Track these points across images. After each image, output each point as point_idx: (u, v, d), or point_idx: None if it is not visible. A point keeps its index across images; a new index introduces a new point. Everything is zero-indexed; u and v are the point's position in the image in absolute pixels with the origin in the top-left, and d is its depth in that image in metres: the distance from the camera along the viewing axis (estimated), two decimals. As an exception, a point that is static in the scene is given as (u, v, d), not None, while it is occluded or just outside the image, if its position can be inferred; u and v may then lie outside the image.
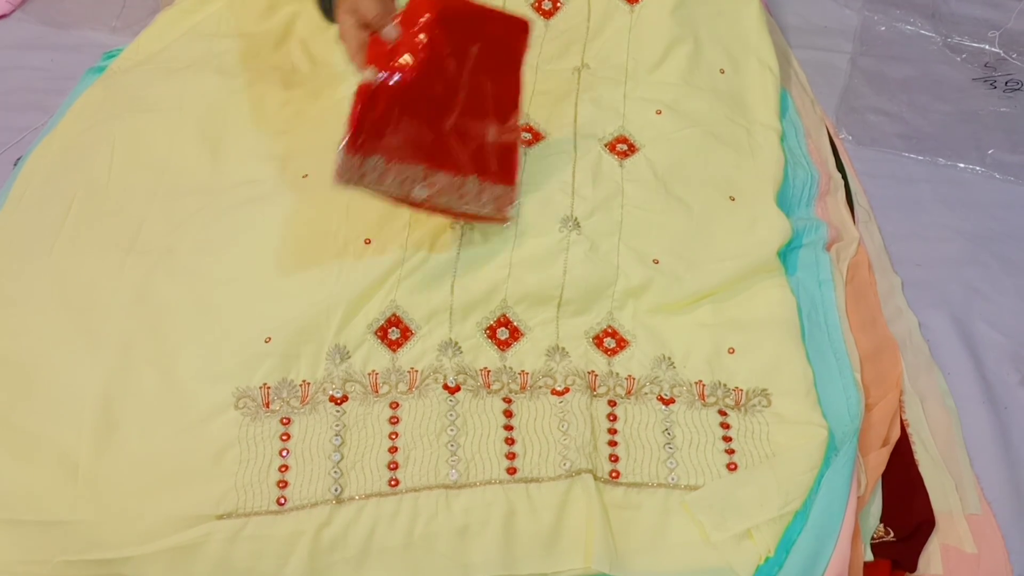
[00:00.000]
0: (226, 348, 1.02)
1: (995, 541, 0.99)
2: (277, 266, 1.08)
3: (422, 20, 0.98)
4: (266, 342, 1.01)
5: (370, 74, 0.97)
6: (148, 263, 1.10)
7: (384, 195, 1.02)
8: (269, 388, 1.00)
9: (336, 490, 0.93)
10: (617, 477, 0.97)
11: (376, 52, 0.99)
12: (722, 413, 1.02)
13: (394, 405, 1.00)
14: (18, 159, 1.27)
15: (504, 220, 1.10)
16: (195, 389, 1.00)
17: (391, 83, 0.97)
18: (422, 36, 0.98)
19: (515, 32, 1.07)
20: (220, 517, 0.91)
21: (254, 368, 1.00)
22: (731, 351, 1.07)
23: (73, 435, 0.95)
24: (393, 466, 0.95)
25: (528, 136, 1.23)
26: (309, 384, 1.01)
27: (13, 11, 1.59)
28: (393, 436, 0.98)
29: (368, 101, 0.96)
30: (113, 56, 1.40)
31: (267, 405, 0.99)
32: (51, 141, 1.26)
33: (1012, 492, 1.03)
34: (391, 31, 0.98)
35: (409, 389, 1.02)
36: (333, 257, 1.07)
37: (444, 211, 1.06)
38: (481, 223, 1.10)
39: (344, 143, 0.96)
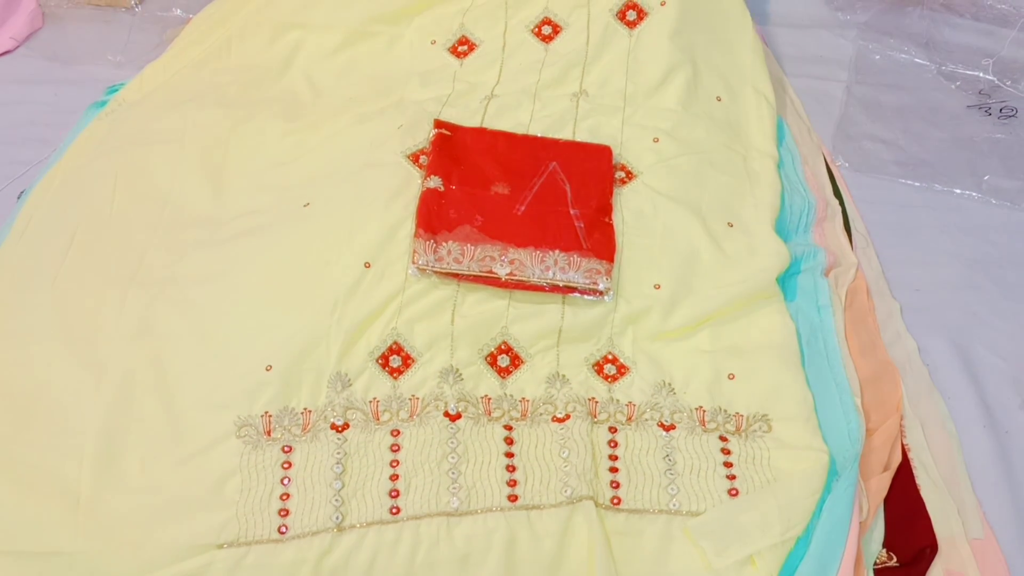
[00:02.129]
0: (227, 377, 1.02)
1: (998, 566, 0.99)
2: (278, 294, 1.09)
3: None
4: (267, 370, 1.02)
5: (433, 182, 1.16)
6: (150, 294, 1.10)
7: (467, 277, 1.10)
8: (271, 416, 1.00)
9: (337, 518, 0.93)
10: (618, 503, 0.97)
11: (439, 162, 1.19)
12: (723, 439, 1.02)
13: (395, 433, 1.00)
14: (22, 192, 1.28)
15: (598, 293, 1.11)
16: (196, 418, 1.00)
17: (452, 188, 1.17)
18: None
19: (599, 153, 1.25)
20: (221, 546, 0.91)
21: (255, 396, 1.01)
22: (731, 377, 1.07)
23: (74, 466, 0.96)
24: (394, 494, 0.95)
25: None
26: (310, 412, 1.01)
27: (17, 47, 1.61)
28: (394, 464, 0.98)
29: (433, 196, 1.15)
30: (116, 90, 1.42)
31: (268, 433, 0.99)
32: (54, 174, 1.27)
33: (1014, 516, 1.03)
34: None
35: (410, 416, 1.02)
36: (334, 284, 1.08)
37: (535, 286, 1.10)
38: (575, 295, 1.11)
39: (415, 232, 1.11)
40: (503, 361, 1.08)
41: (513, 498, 0.96)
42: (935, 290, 1.27)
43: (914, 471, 1.05)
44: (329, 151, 1.26)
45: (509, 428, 1.02)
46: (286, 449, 0.99)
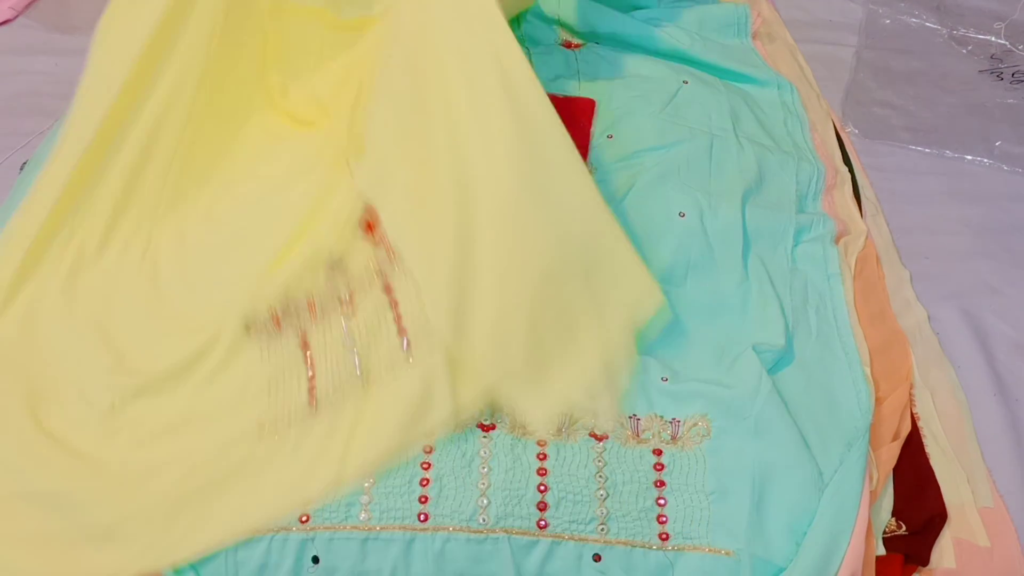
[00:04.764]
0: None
1: (1008, 534, 0.99)
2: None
3: None
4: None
5: None
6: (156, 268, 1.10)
7: None
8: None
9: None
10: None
11: None
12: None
13: None
14: (24, 163, 1.27)
15: None
16: None
17: None
18: None
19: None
20: None
21: None
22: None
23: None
24: None
25: None
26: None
27: (17, 16, 1.59)
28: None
29: None
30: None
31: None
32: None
33: (1025, 485, 1.03)
34: None
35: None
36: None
37: None
38: None
39: None
40: None
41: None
42: (945, 258, 1.26)
43: (924, 440, 1.05)
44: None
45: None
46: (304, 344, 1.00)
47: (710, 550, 0.89)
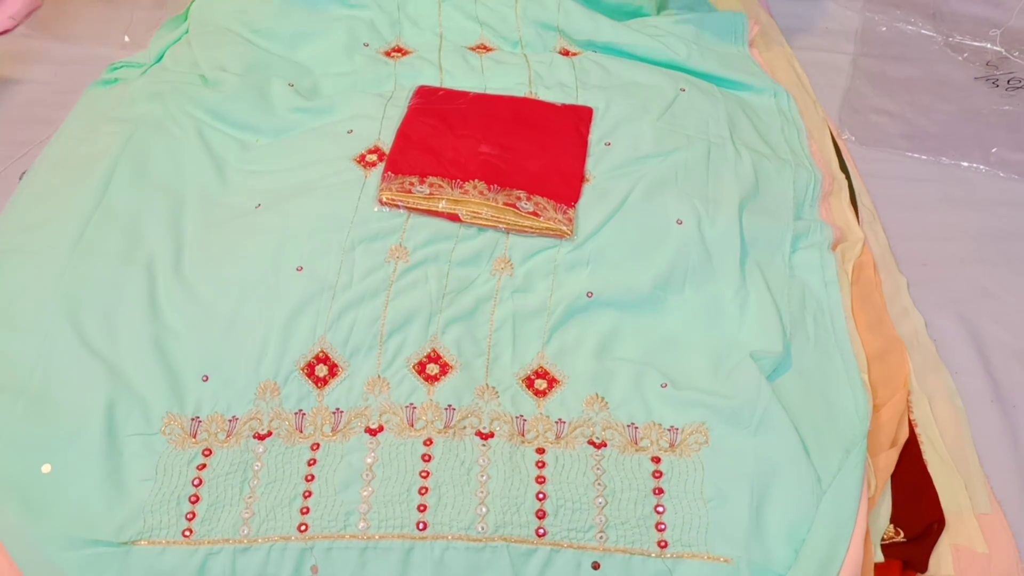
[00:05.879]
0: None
1: (1006, 540, 0.99)
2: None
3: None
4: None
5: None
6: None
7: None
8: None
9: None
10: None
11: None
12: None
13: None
14: (23, 173, 1.27)
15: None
16: None
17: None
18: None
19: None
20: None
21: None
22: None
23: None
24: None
25: None
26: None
27: (16, 26, 1.59)
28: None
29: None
30: (118, 68, 1.40)
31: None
32: (53, 149, 1.26)
33: (1022, 491, 1.03)
34: None
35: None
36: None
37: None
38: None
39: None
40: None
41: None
42: (942, 264, 1.27)
43: (921, 446, 1.05)
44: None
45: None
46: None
47: (709, 557, 0.90)
